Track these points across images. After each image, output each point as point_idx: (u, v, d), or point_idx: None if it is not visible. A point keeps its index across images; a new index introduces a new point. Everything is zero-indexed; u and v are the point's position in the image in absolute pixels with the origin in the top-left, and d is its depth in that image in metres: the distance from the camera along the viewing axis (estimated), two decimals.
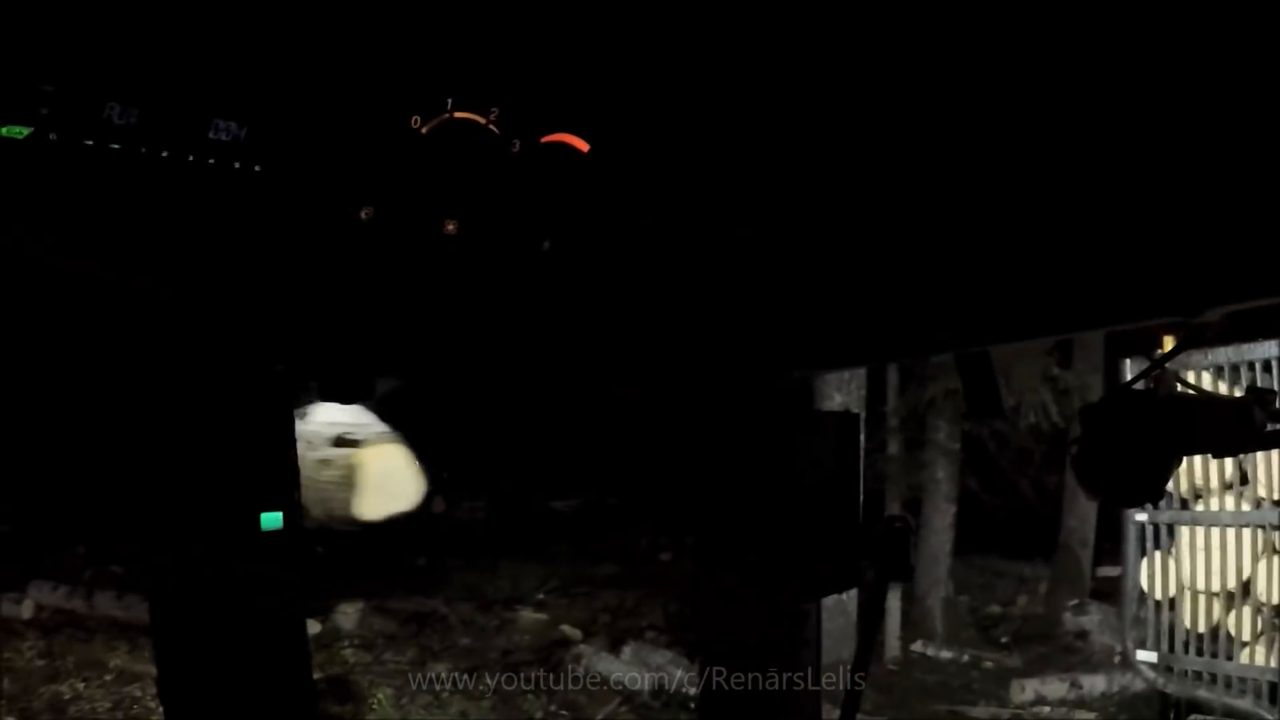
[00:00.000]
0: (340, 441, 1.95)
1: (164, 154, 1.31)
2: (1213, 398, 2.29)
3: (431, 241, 1.42)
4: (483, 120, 1.41)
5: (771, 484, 2.31)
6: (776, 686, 2.40)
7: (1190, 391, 2.25)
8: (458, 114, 1.40)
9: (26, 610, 11.56)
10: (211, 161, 1.33)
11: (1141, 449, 2.16)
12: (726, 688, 2.42)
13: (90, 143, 1.28)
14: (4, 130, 1.24)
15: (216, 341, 1.75)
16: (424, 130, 1.39)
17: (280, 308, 1.66)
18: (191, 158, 1.32)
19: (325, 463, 1.96)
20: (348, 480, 1.99)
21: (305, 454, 1.89)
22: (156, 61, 1.29)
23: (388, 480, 2.03)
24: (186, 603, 1.88)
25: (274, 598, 1.87)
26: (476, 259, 1.48)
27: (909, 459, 13.47)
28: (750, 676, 2.40)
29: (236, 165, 1.34)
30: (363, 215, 1.40)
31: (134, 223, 1.41)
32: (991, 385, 2.28)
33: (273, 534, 1.84)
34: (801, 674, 2.40)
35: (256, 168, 1.34)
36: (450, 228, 1.42)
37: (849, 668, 2.39)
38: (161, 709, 1.97)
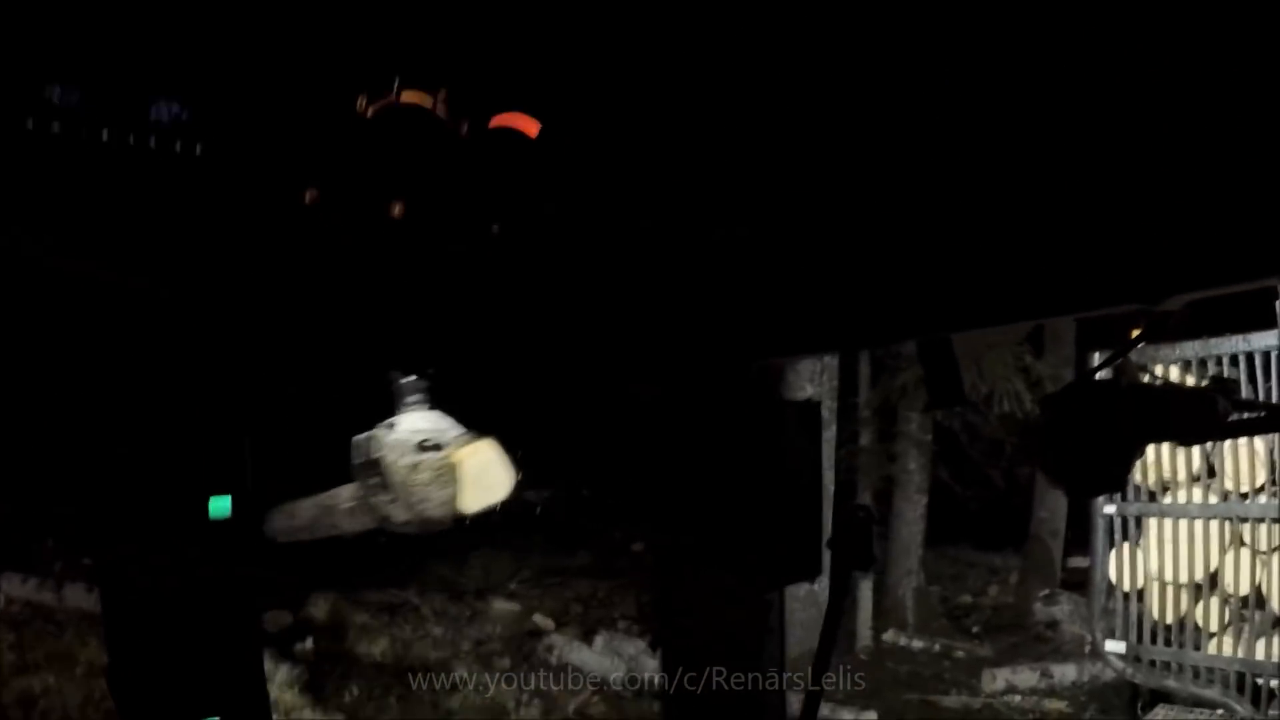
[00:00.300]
0: (426, 446, 2.01)
1: (104, 135, 1.29)
2: (1176, 387, 2.29)
3: (378, 225, 1.40)
4: (430, 102, 1.38)
5: (733, 472, 2.29)
6: (741, 675, 2.39)
7: (1154, 381, 2.25)
8: (405, 95, 1.37)
9: None
10: (153, 143, 1.30)
11: (1105, 438, 2.15)
12: (691, 677, 2.41)
13: (30, 123, 1.25)
14: None
15: (163, 328, 1.73)
16: (370, 112, 1.36)
17: (224, 292, 1.64)
18: (133, 139, 1.29)
19: (415, 467, 2.07)
20: (444, 479, 2.07)
21: (396, 461, 1.99)
22: (97, 41, 1.27)
23: (483, 474, 2.14)
24: (136, 592, 1.86)
25: (223, 586, 1.85)
26: (424, 243, 1.46)
27: (881, 450, 13.49)
28: (714, 666, 2.39)
29: (178, 147, 1.31)
30: (307, 198, 1.37)
31: (76, 206, 1.38)
32: (953, 373, 2.27)
33: (221, 522, 1.82)
34: (766, 663, 2.39)
35: (199, 149, 1.32)
36: (397, 211, 1.40)
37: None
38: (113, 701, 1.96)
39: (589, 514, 14.43)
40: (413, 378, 1.96)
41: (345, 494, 2.09)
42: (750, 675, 2.41)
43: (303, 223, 1.37)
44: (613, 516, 14.23)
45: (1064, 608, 13.53)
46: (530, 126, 1.42)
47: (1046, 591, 13.89)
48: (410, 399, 1.98)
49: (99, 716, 8.96)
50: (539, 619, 12.06)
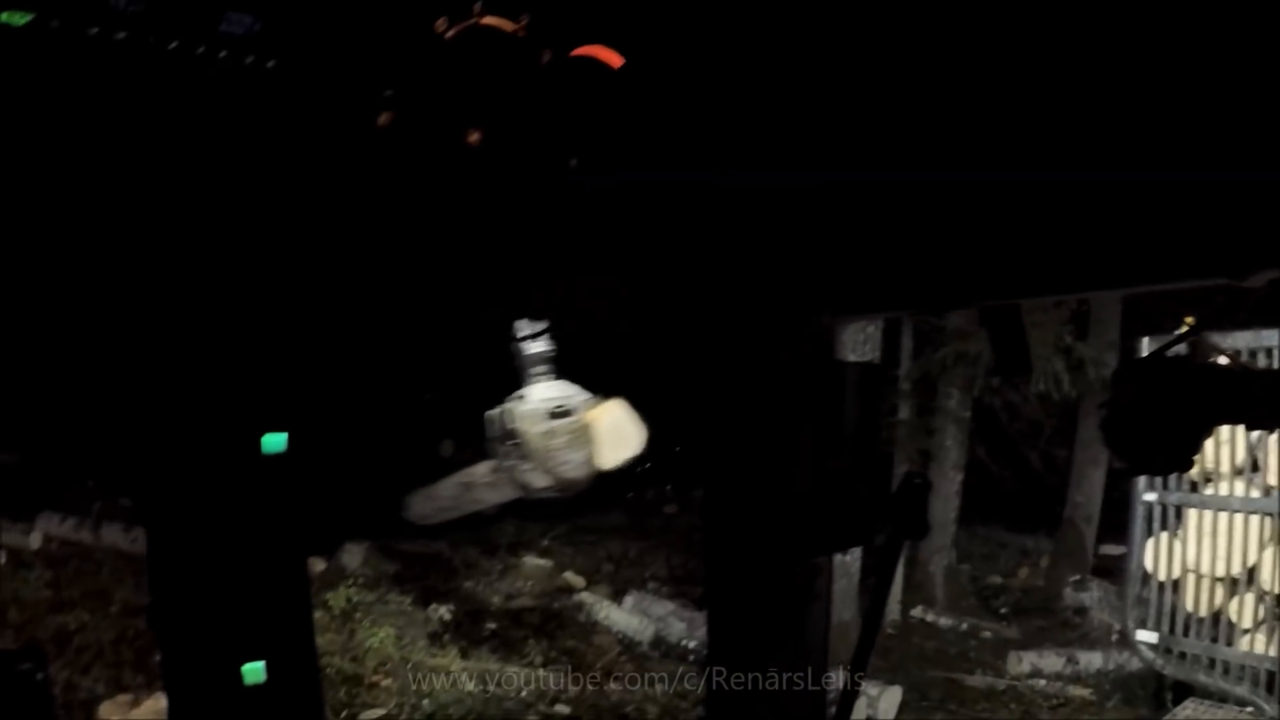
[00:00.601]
0: (557, 413, 2.13)
1: (172, 45, 1.24)
2: (1252, 369, 2.22)
3: (453, 152, 1.35)
4: (511, 27, 1.33)
5: (789, 433, 2.25)
6: (785, 640, 2.36)
7: (1228, 361, 2.19)
8: (486, 19, 1.32)
9: (35, 541, 11.62)
10: (222, 55, 1.25)
11: (1175, 416, 2.10)
12: (734, 639, 2.38)
13: (94, 31, 1.20)
14: (4, 16, 1.17)
15: (219, 254, 1.69)
16: (450, 34, 1.31)
17: (287, 217, 1.60)
18: (201, 50, 1.25)
19: (551, 433, 2.15)
20: (580, 440, 2.17)
21: (530, 429, 2.11)
22: None
23: (616, 431, 2.22)
24: (182, 529, 1.84)
25: (274, 525, 1.83)
26: (499, 173, 1.41)
27: (919, 424, 13.39)
28: (758, 629, 2.36)
29: (249, 60, 1.27)
30: (381, 121, 1.33)
31: (137, 116, 1.34)
32: (1021, 342, 2.22)
33: (275, 457, 1.81)
34: (811, 628, 2.35)
35: (270, 64, 1.27)
36: (473, 138, 1.35)
37: (861, 616, 2.34)
38: (156, 640, 1.96)
39: (626, 474, 14.39)
40: (537, 349, 2.04)
41: (483, 469, 2.18)
42: (795, 640, 2.37)
43: (375, 146, 1.32)
44: (647, 477, 14.23)
45: (1093, 594, 13.44)
46: (613, 59, 1.37)
47: (1077, 577, 13.81)
48: (537, 369, 2.06)
49: (132, 654, 9.07)
50: (569, 576, 12.10)
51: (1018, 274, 1.90)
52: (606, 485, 2.23)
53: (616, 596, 11.49)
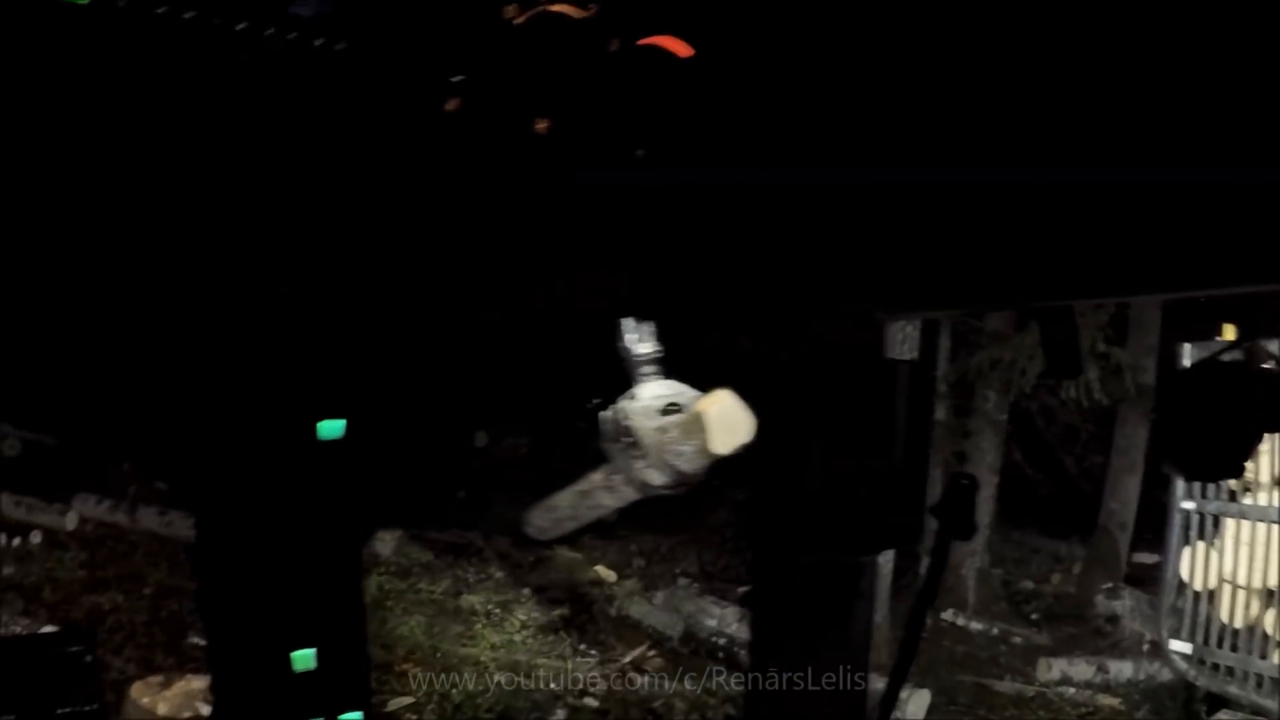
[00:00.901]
0: (670, 409, 2.21)
1: (240, 25, 1.24)
2: None
3: (520, 140, 1.35)
4: (580, 14, 1.32)
5: (839, 430, 2.25)
6: (829, 639, 2.35)
7: None
8: (554, 6, 1.32)
9: (71, 522, 11.75)
10: (292, 36, 1.25)
11: (1228, 422, 2.08)
12: (777, 637, 2.38)
13: (160, 10, 1.20)
14: None
15: (271, 235, 1.69)
16: (519, 21, 1.30)
17: (350, 200, 1.60)
18: (270, 31, 1.24)
19: (664, 429, 2.22)
20: (692, 432, 2.23)
21: (644, 425, 2.20)
22: None
23: (726, 419, 2.26)
24: (236, 515, 1.85)
25: (328, 510, 1.84)
26: (566, 161, 1.40)
27: (955, 425, 13.30)
28: (802, 627, 2.36)
29: (318, 42, 1.26)
30: (448, 106, 1.32)
31: (204, 96, 1.33)
32: (1073, 343, 2.21)
33: (332, 443, 1.81)
34: (854, 628, 2.35)
35: (339, 46, 1.26)
36: (541, 126, 1.35)
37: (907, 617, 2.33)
38: (201, 625, 1.97)
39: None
40: (644, 351, 2.13)
41: (599, 475, 2.24)
42: (838, 640, 2.37)
43: (443, 131, 1.32)
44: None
45: (1126, 603, 13.32)
46: (682, 50, 1.36)
47: (1110, 585, 13.69)
48: (645, 370, 2.15)
49: (164, 636, 9.15)
50: (601, 570, 12.10)
51: (1074, 274, 1.88)
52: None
53: (647, 591, 11.49)
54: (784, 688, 2.39)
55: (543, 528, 2.41)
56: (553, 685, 9.28)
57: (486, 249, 1.71)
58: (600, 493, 2.27)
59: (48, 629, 8.67)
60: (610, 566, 12.23)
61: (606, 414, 2.19)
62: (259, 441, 1.77)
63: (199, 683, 8.09)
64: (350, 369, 1.78)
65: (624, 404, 2.17)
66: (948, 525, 2.30)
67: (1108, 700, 10.99)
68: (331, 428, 1.78)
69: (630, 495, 2.26)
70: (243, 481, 1.79)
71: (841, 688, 2.37)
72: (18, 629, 8.67)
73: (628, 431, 2.16)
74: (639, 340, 2.09)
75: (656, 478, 2.20)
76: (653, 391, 2.17)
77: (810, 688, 2.36)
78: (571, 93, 1.35)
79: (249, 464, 1.78)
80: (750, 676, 2.56)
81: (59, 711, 2.27)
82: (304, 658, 1.87)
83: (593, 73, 1.35)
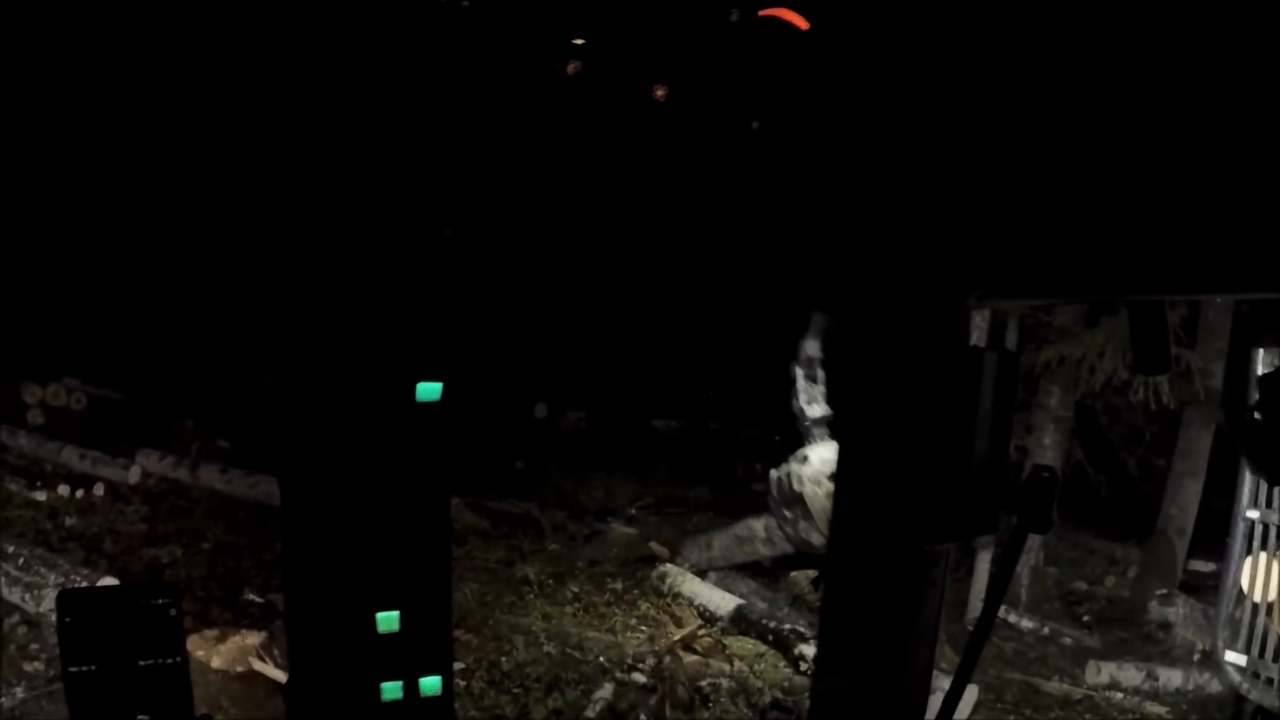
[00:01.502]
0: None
1: None
2: None
3: (638, 106, 1.34)
4: None
5: (925, 417, 2.22)
6: (899, 626, 2.34)
7: None
8: None
9: (134, 476, 11.97)
10: None
11: None
12: (847, 622, 2.37)
13: None
14: None
15: (374, 192, 1.69)
16: None
17: (464, 157, 1.60)
18: None
19: (831, 495, 2.28)
20: None
21: (815, 491, 2.25)
22: None
23: None
24: (328, 476, 1.86)
25: (421, 474, 1.85)
26: (683, 130, 1.40)
27: (1019, 420, 13.18)
28: (873, 613, 2.35)
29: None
30: (570, 69, 1.32)
31: (329, 47, 1.34)
32: (1163, 338, 2.18)
33: (428, 405, 1.82)
34: (924, 618, 2.33)
35: (465, 3, 1.27)
36: (659, 93, 1.34)
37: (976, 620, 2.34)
38: (283, 585, 1.99)
39: (713, 447, 14.45)
40: (817, 414, 2.19)
41: (760, 526, 2.30)
42: (908, 627, 2.36)
43: (562, 95, 1.32)
44: (736, 451, 14.25)
45: (1179, 610, 13.18)
46: (799, 22, 1.35)
47: (1164, 591, 13.55)
48: (817, 433, 2.21)
49: (221, 591, 9.30)
50: (655, 546, 12.12)
51: (1177, 268, 1.85)
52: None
53: (699, 570, 11.52)
54: (851, 672, 2.39)
55: (695, 561, 2.47)
56: (601, 659, 9.33)
57: (605, 210, 1.70)
58: (758, 543, 2.31)
59: (109, 580, 8.82)
60: (663, 543, 12.25)
61: (777, 473, 2.22)
62: (358, 401, 1.78)
63: (253, 638, 8.22)
64: (451, 331, 1.78)
65: (795, 467, 2.20)
66: (1026, 518, 2.28)
67: (1155, 708, 10.88)
68: (430, 390, 1.78)
69: (786, 549, 2.29)
70: (339, 442, 1.80)
71: (908, 678, 2.36)
72: (78, 579, 8.84)
73: (800, 498, 2.19)
74: (810, 401, 2.11)
75: (818, 540, 2.22)
76: (823, 455, 2.19)
77: (877, 676, 2.35)
78: (691, 60, 1.35)
79: (347, 424, 1.79)
80: (818, 660, 2.56)
81: (141, 663, 2.31)
82: (388, 619, 1.89)
83: (712, 39, 1.35)
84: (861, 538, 2.30)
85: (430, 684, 1.95)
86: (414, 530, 1.89)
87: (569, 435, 14.09)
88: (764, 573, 11.35)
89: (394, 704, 1.93)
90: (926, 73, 1.47)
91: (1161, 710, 10.87)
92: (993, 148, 1.61)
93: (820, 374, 2.27)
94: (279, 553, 2.02)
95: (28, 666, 8.06)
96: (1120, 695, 11.13)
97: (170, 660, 2.31)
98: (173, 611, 2.24)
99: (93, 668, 2.31)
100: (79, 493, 11.34)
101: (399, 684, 1.94)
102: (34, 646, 8.34)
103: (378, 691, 1.92)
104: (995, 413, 2.23)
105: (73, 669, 2.30)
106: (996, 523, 2.26)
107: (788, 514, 2.21)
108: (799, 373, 2.31)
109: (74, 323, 12.52)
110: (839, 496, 2.36)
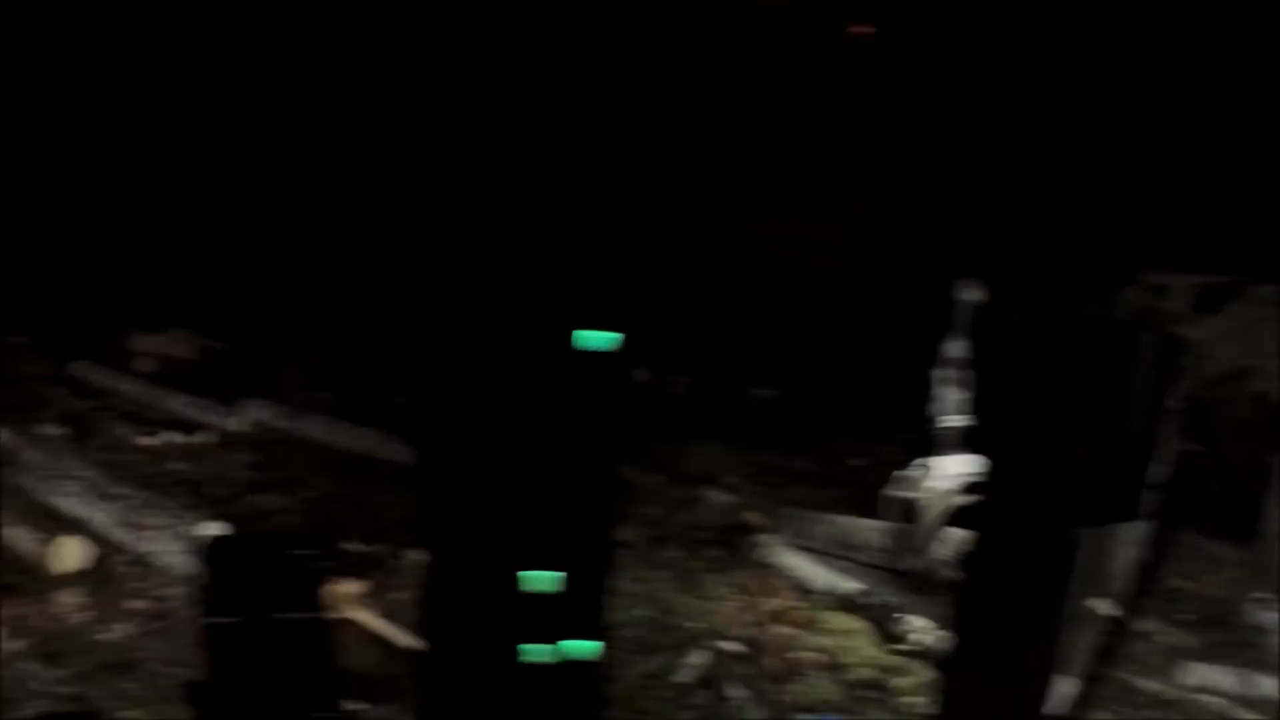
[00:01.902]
0: (963, 489, 2.24)
1: None
2: None
3: (842, 44, 1.30)
4: None
5: (1076, 398, 2.18)
6: (1033, 610, 2.31)
7: None
8: None
9: (239, 425, 12.21)
10: None
11: None
12: (983, 604, 2.34)
13: None
14: None
15: (536, 124, 1.64)
16: None
17: (656, 94, 1.56)
18: None
19: (951, 509, 2.25)
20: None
21: (935, 504, 2.25)
22: None
23: None
24: (471, 427, 1.81)
25: (585, 424, 1.80)
26: (887, 71, 1.35)
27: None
28: (1009, 596, 2.32)
29: None
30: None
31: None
32: None
33: (593, 354, 1.75)
34: (1059, 602, 2.29)
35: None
36: (861, 31, 1.30)
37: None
38: (422, 541, 1.95)
39: (812, 418, 14.35)
40: (954, 424, 2.13)
41: (876, 534, 2.26)
42: (1042, 612, 2.33)
43: (765, 26, 1.28)
44: (836, 425, 14.13)
45: (1275, 616, 12.86)
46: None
47: (1263, 595, 13.22)
48: (948, 442, 2.16)
49: (322, 540, 9.46)
50: (752, 516, 12.13)
51: None
52: None
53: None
54: (982, 654, 2.36)
55: (792, 537, 2.42)
56: (694, 625, 9.33)
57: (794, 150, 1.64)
58: (872, 551, 2.26)
59: (217, 526, 9.02)
60: (762, 513, 12.32)
61: (898, 482, 2.16)
62: (509, 347, 1.74)
63: (351, 587, 8.36)
64: (618, 282, 1.73)
65: (919, 477, 2.13)
66: (1174, 505, 2.22)
67: (1247, 715, 10.62)
68: (595, 339, 1.72)
69: (886, 560, 2.24)
70: (490, 389, 1.76)
71: (1037, 660, 2.33)
72: (182, 523, 9.05)
73: (914, 507, 2.13)
74: (947, 411, 2.04)
75: (925, 556, 2.16)
76: (951, 468, 2.13)
77: (1010, 659, 2.32)
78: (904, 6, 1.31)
79: (496, 371, 1.75)
80: (952, 641, 2.53)
81: (280, 616, 2.32)
82: (545, 580, 1.83)
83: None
84: (1001, 521, 2.26)
85: (580, 648, 1.91)
86: (574, 490, 1.84)
87: (670, 400, 14.07)
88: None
89: (542, 666, 1.91)
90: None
91: (1254, 717, 10.63)
92: (1152, 125, 1.56)
93: (962, 376, 2.19)
94: (395, 508, 1.97)
95: (133, 605, 8.29)
96: (1212, 698, 10.90)
97: (311, 614, 2.31)
98: (321, 564, 2.24)
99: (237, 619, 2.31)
100: (185, 439, 11.59)
101: (549, 648, 1.89)
102: (139, 585, 8.58)
103: (523, 654, 1.88)
104: (1152, 398, 2.18)
105: (213, 620, 2.30)
106: (1138, 508, 2.21)
107: (895, 523, 2.16)
108: (939, 376, 2.24)
109: (185, 274, 12.79)
110: (989, 481, 2.32)
